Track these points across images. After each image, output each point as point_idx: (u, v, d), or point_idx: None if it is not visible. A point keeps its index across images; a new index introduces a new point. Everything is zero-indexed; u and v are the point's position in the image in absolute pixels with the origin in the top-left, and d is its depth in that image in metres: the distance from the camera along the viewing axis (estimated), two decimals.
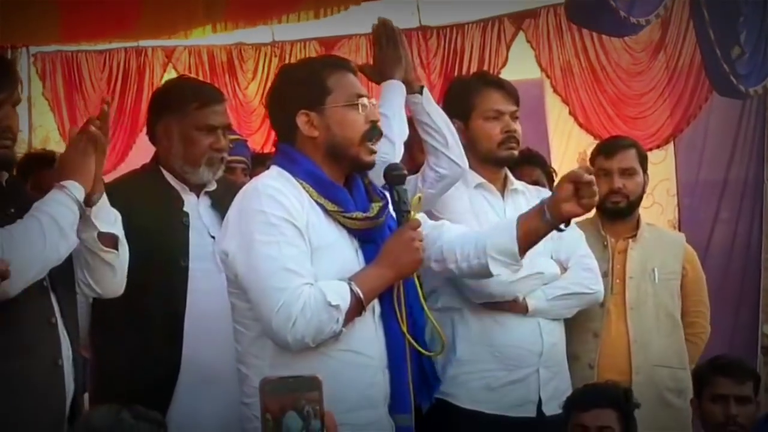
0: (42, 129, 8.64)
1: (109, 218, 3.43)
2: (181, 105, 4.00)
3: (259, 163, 5.19)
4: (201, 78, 7.86)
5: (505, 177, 4.38)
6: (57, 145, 8.42)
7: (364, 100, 3.38)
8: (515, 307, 4.14)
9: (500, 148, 4.27)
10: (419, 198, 3.51)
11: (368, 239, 3.37)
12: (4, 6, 4.92)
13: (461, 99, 4.35)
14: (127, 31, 6.05)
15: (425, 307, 3.42)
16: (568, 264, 4.27)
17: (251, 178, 4.81)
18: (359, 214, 3.34)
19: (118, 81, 8.23)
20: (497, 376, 4.12)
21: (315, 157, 3.36)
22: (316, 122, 3.35)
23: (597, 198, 3.32)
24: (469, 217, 4.18)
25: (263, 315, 3.19)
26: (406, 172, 3.47)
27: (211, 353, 3.79)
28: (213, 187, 4.05)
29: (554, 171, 5.70)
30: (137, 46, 8.08)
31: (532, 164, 5.56)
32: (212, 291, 3.78)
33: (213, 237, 3.91)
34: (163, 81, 7.31)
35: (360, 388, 3.28)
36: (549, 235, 4.14)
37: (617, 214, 4.80)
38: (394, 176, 3.41)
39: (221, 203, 3.92)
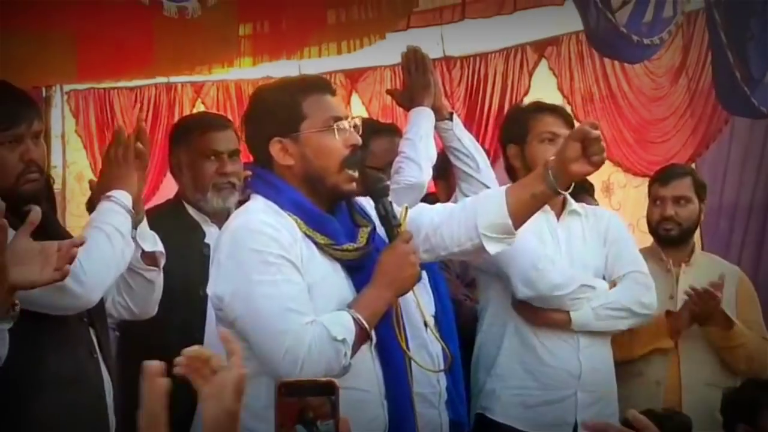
0: (76, 165, 8.74)
1: (149, 238, 3.47)
2: (186, 135, 4.14)
3: None
4: (229, 113, 8.02)
5: (564, 198, 4.31)
6: None
7: (343, 123, 3.21)
8: (557, 318, 4.13)
9: None
10: (406, 208, 3.33)
11: (357, 267, 3.23)
12: (21, 47, 5.02)
13: (517, 123, 4.36)
14: (145, 67, 6.15)
15: (428, 321, 3.36)
16: (619, 281, 4.25)
17: None
18: (350, 246, 3.19)
19: (148, 117, 8.25)
20: (534, 394, 4.13)
21: (296, 185, 3.21)
22: (291, 150, 3.19)
23: (605, 155, 3.18)
24: (530, 237, 4.10)
25: (269, 360, 3.04)
26: (389, 182, 3.39)
27: None
28: None
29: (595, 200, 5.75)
30: (167, 82, 8.18)
31: (588, 194, 5.60)
32: None
33: None
34: None
35: (362, 425, 3.09)
36: (596, 256, 4.25)
37: (670, 242, 4.85)
38: (378, 189, 3.27)
39: None
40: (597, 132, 3.14)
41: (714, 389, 4.62)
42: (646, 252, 4.83)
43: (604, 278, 4.26)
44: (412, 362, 3.31)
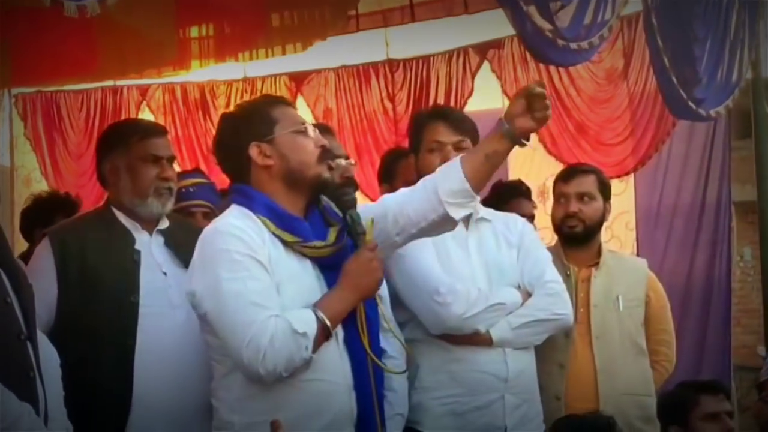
0: (24, 169, 8.70)
1: None
2: (123, 139, 4.08)
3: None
4: (176, 115, 8.02)
5: None
6: (39, 185, 8.51)
7: (311, 127, 3.50)
8: (479, 339, 4.10)
9: None
10: (372, 220, 3.49)
11: (329, 265, 3.43)
12: None
13: (414, 133, 4.38)
14: (85, 72, 6.14)
15: (387, 323, 3.51)
16: (533, 290, 4.22)
17: None
18: (318, 243, 3.41)
19: (95, 120, 8.26)
20: (462, 401, 4.09)
21: (273, 189, 3.44)
22: (269, 152, 3.44)
23: (549, 112, 3.33)
24: (431, 251, 4.14)
25: (234, 350, 3.27)
26: (355, 195, 3.53)
27: (163, 389, 3.83)
28: (165, 225, 4.09)
29: (533, 204, 5.75)
30: (113, 85, 8.16)
31: (526, 197, 5.58)
32: (163, 327, 3.87)
33: (165, 274, 3.97)
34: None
35: (326, 414, 3.35)
36: (513, 261, 4.23)
37: (575, 240, 4.79)
38: (345, 201, 3.47)
39: (174, 241, 4.02)
40: (540, 89, 3.34)
41: (629, 398, 4.63)
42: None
43: (518, 286, 4.23)
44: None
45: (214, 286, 3.30)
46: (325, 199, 3.58)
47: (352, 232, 3.44)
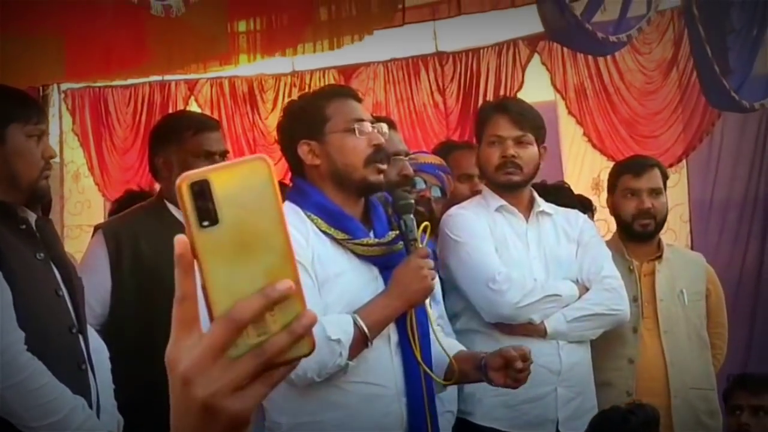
0: (73, 165, 8.75)
1: None
2: (177, 134, 4.08)
3: None
4: (223, 110, 8.03)
5: (531, 199, 4.30)
6: (87, 180, 8.58)
7: (365, 125, 3.36)
8: (533, 329, 4.09)
9: (498, 173, 4.20)
10: (426, 227, 3.43)
11: (387, 266, 3.37)
12: (11, 50, 5.03)
13: (477, 125, 4.36)
14: (136, 66, 6.17)
15: (436, 334, 3.44)
16: (590, 285, 4.19)
17: None
18: (370, 240, 3.35)
19: (143, 115, 8.29)
20: (515, 393, 3.98)
21: (324, 186, 3.39)
22: (317, 151, 3.37)
23: (525, 382, 3.40)
24: (489, 240, 4.17)
25: None
26: (413, 201, 3.46)
27: None
28: None
29: (587, 199, 5.70)
30: (161, 80, 8.18)
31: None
32: None
33: None
34: None
35: (374, 418, 3.31)
36: (571, 255, 4.24)
37: (644, 238, 4.70)
38: (401, 206, 3.40)
39: None
40: (522, 365, 3.35)
41: (696, 392, 4.59)
42: (609, 249, 4.62)
43: (577, 281, 4.21)
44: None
45: None
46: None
47: (404, 238, 3.37)
